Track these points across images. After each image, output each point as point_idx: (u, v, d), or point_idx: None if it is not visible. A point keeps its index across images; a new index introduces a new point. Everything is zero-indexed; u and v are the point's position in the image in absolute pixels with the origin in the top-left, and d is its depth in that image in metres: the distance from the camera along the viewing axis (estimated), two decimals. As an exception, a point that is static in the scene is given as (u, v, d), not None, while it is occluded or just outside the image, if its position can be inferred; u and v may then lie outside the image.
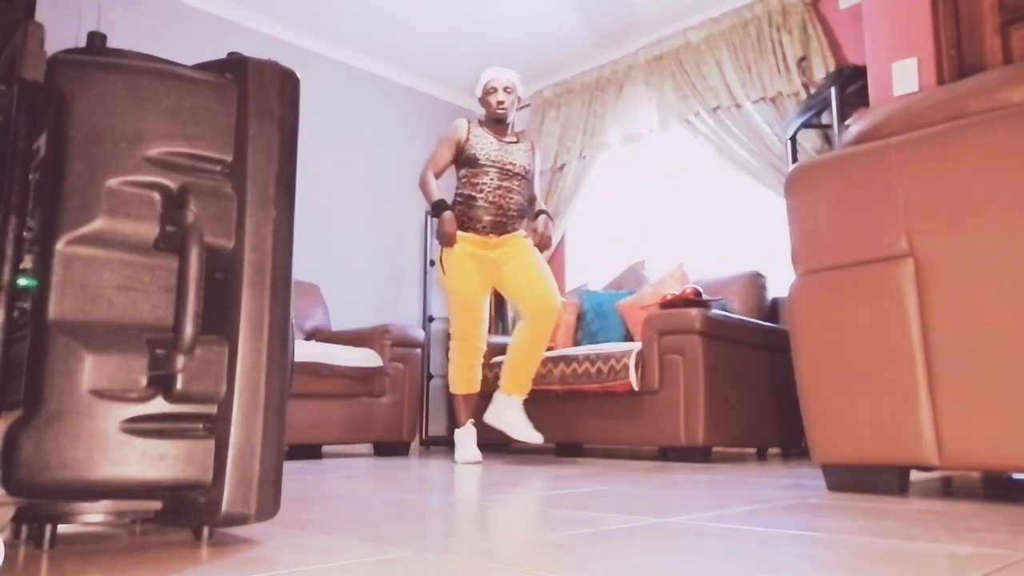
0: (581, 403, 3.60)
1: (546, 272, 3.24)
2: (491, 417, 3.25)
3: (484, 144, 3.28)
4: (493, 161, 3.25)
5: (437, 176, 3.29)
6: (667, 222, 4.75)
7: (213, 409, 1.05)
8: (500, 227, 3.23)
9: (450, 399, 3.29)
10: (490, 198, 3.22)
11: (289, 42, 4.80)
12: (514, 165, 3.29)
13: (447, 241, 3.17)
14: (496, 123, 3.36)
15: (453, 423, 3.44)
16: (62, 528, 1.18)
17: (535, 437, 3.15)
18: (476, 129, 3.32)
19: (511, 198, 3.25)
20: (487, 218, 3.21)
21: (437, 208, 3.19)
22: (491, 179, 3.23)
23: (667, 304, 3.38)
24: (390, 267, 5.16)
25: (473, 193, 3.23)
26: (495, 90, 3.34)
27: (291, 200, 1.15)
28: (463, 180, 3.29)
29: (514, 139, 3.40)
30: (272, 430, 1.07)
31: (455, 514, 1.43)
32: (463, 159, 3.28)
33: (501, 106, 3.33)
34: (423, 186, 3.27)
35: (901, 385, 1.70)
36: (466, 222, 3.23)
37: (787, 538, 1.12)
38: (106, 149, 1.03)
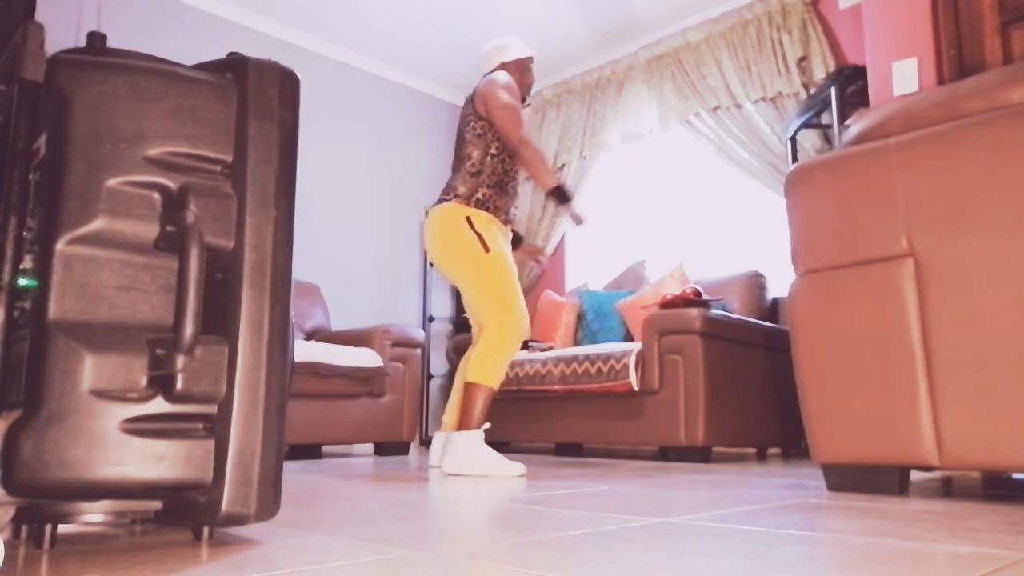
0: (581, 403, 3.60)
1: None
2: (458, 465, 2.50)
3: None
4: None
5: None
6: (667, 222, 4.75)
7: (213, 409, 1.05)
8: (509, 223, 2.82)
9: (470, 397, 2.58)
10: (517, 188, 2.80)
11: (289, 42, 4.80)
12: None
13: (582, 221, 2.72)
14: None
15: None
16: (62, 528, 1.18)
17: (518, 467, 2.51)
18: None
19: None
20: (511, 211, 2.79)
21: (561, 192, 2.66)
22: (519, 168, 2.80)
23: (667, 304, 3.38)
24: (390, 267, 5.16)
25: (505, 181, 2.74)
26: (530, 68, 2.91)
27: (291, 200, 1.15)
28: (494, 159, 2.72)
29: None
30: (272, 430, 1.07)
31: (455, 514, 1.43)
32: (502, 140, 2.74)
33: (532, 86, 2.93)
34: (539, 154, 2.64)
35: (901, 385, 1.70)
36: (491, 209, 2.72)
37: (787, 538, 1.12)
38: (106, 149, 1.03)
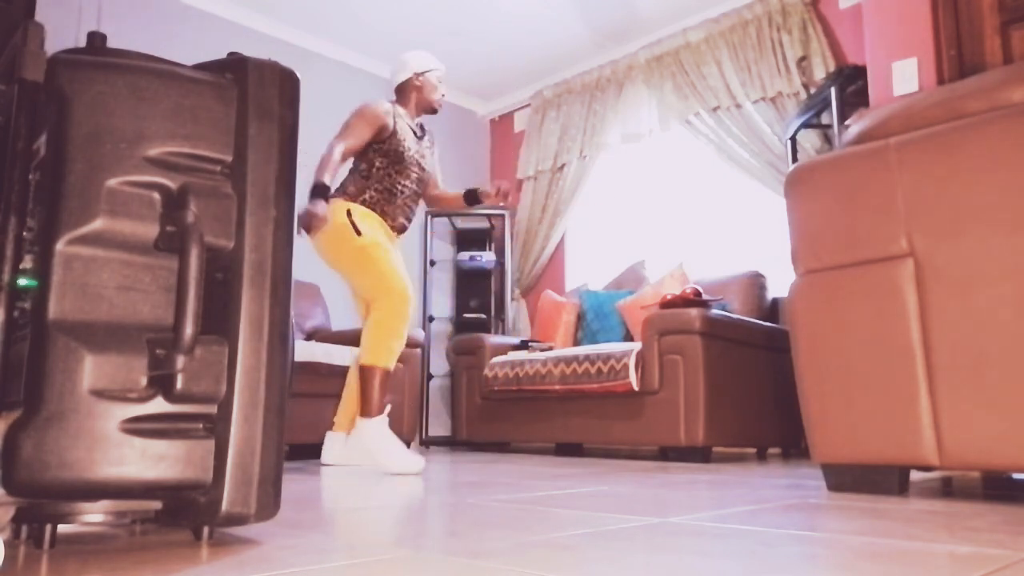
0: (581, 403, 3.60)
1: None
2: (359, 454, 2.61)
3: (409, 139, 2.91)
4: (416, 162, 2.93)
5: (345, 159, 2.77)
6: (667, 222, 4.75)
7: (213, 409, 1.05)
8: (402, 230, 2.96)
9: (367, 382, 2.65)
10: (408, 202, 2.93)
11: (289, 42, 4.80)
12: (424, 171, 3.00)
13: (313, 227, 2.68)
14: (418, 116, 3.03)
15: (363, 412, 2.63)
16: (62, 528, 1.18)
17: (418, 462, 2.58)
18: (400, 119, 2.91)
19: (417, 205, 3.02)
20: (400, 219, 2.92)
21: (321, 191, 2.68)
22: (411, 182, 2.92)
23: (667, 304, 3.38)
24: (390, 267, 5.15)
25: (394, 191, 2.87)
26: (440, 83, 3.03)
27: (291, 200, 1.15)
28: (380, 171, 2.85)
29: (422, 135, 3.04)
30: (272, 430, 1.07)
31: (455, 514, 1.43)
32: (384, 149, 2.85)
33: (442, 100, 3.05)
34: (325, 162, 2.69)
35: (901, 385, 1.70)
36: (379, 212, 2.86)
37: (787, 538, 1.12)
38: (106, 149, 1.03)
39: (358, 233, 2.74)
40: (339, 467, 2.74)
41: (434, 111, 3.06)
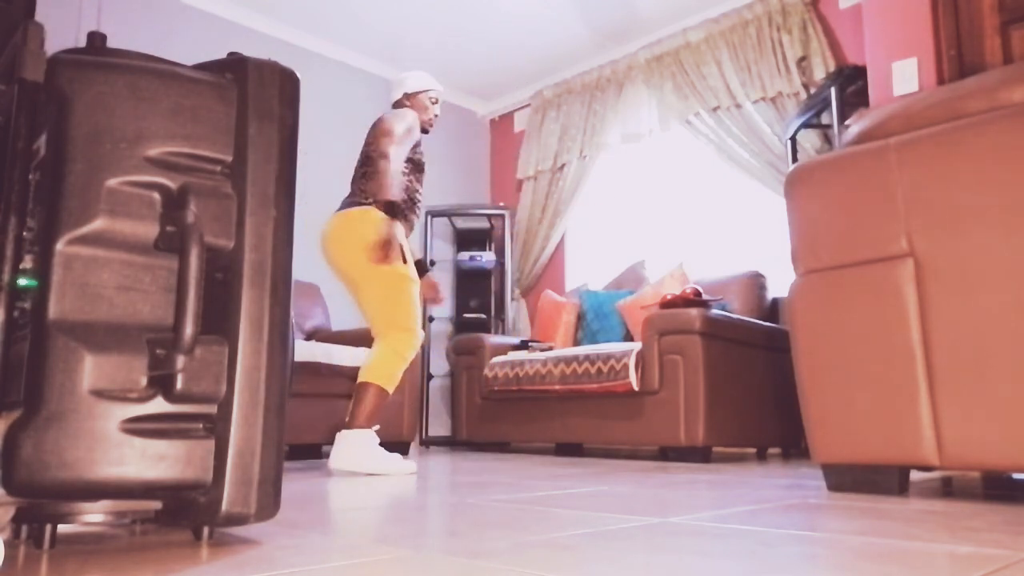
0: (581, 403, 3.60)
1: None
2: (348, 463, 2.57)
3: (421, 147, 3.01)
4: (425, 169, 3.02)
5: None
6: (667, 222, 4.75)
7: (213, 409, 1.05)
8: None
9: (363, 396, 2.64)
10: (420, 207, 2.97)
11: (289, 42, 4.80)
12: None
13: (436, 300, 2.99)
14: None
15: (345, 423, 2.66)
16: (62, 528, 1.18)
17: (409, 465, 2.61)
18: (417, 129, 2.98)
19: None
20: (415, 222, 2.95)
21: (399, 211, 2.79)
22: (422, 188, 2.98)
23: (667, 304, 3.38)
24: (390, 267, 5.15)
25: (415, 200, 2.92)
26: (436, 102, 3.12)
27: (291, 200, 1.15)
28: (405, 176, 2.89)
29: None
30: (272, 430, 1.07)
31: (455, 514, 1.43)
32: (414, 160, 2.93)
33: (433, 121, 3.10)
34: (391, 176, 2.70)
35: (901, 385, 1.70)
36: (403, 221, 2.86)
37: (787, 538, 1.12)
38: (106, 149, 1.03)
39: (404, 260, 2.73)
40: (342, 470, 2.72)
41: (424, 131, 3.07)
